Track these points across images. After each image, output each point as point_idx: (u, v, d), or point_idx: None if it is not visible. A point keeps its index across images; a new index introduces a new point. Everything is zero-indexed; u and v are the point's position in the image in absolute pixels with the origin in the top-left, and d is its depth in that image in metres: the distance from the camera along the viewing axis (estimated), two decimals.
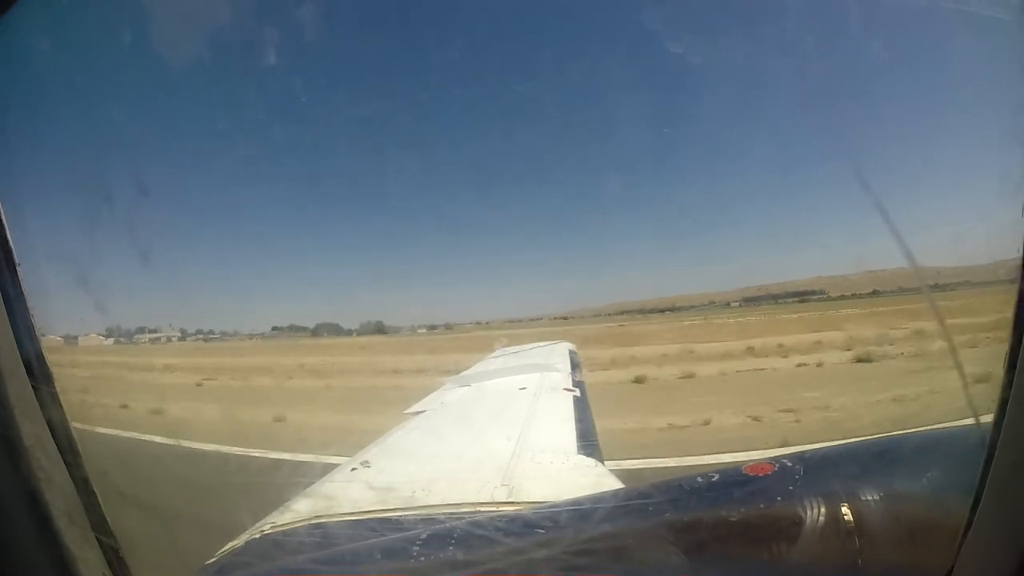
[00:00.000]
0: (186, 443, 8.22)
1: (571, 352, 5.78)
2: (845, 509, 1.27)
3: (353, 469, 2.77)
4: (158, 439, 8.24)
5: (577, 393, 4.00)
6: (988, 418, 1.06)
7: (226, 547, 1.87)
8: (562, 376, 4.60)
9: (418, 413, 4.01)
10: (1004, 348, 1.02)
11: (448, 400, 4.37)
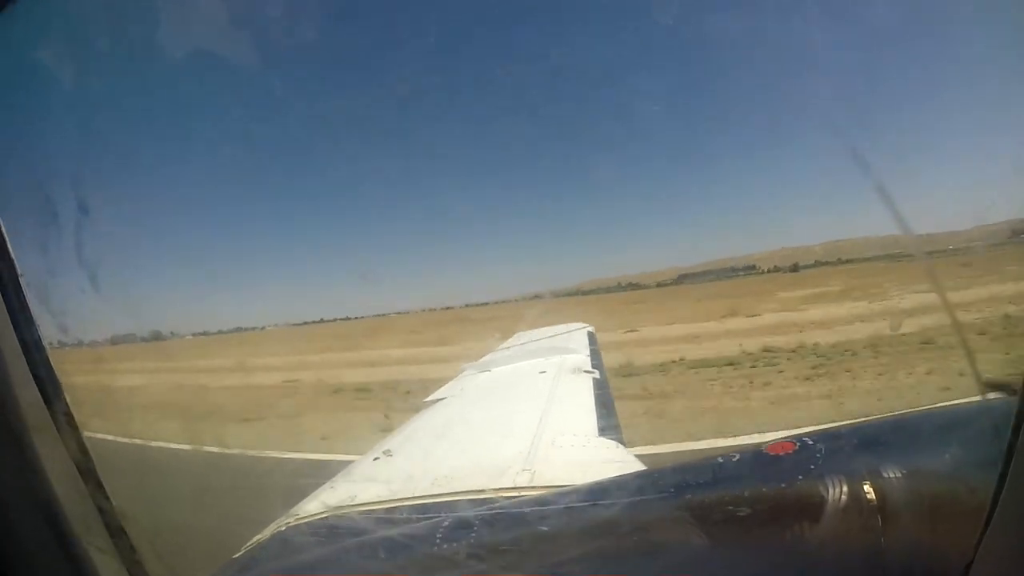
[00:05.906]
0: (192, 446, 8.41)
1: (589, 334, 5.72)
2: (868, 487, 1.23)
3: (376, 459, 2.79)
4: (165, 443, 8.41)
5: (596, 375, 3.96)
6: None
7: (252, 540, 1.90)
8: (581, 358, 4.56)
9: (438, 400, 4.03)
10: None
11: (467, 387, 4.37)
